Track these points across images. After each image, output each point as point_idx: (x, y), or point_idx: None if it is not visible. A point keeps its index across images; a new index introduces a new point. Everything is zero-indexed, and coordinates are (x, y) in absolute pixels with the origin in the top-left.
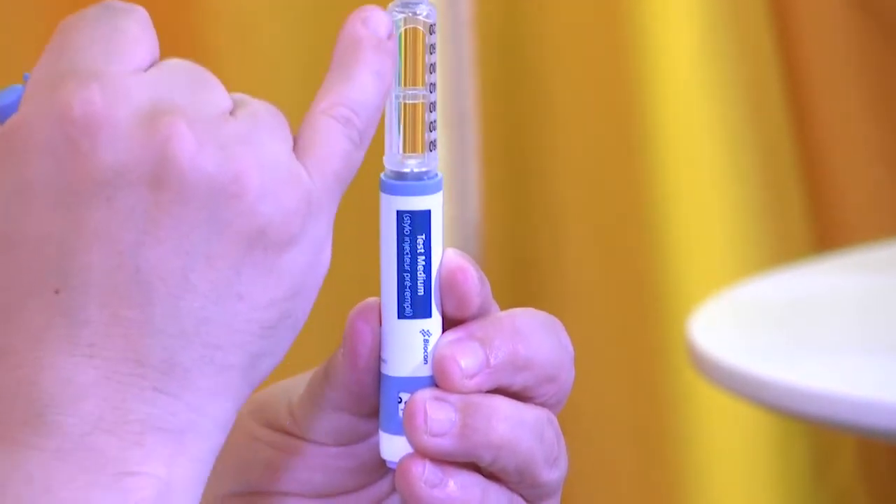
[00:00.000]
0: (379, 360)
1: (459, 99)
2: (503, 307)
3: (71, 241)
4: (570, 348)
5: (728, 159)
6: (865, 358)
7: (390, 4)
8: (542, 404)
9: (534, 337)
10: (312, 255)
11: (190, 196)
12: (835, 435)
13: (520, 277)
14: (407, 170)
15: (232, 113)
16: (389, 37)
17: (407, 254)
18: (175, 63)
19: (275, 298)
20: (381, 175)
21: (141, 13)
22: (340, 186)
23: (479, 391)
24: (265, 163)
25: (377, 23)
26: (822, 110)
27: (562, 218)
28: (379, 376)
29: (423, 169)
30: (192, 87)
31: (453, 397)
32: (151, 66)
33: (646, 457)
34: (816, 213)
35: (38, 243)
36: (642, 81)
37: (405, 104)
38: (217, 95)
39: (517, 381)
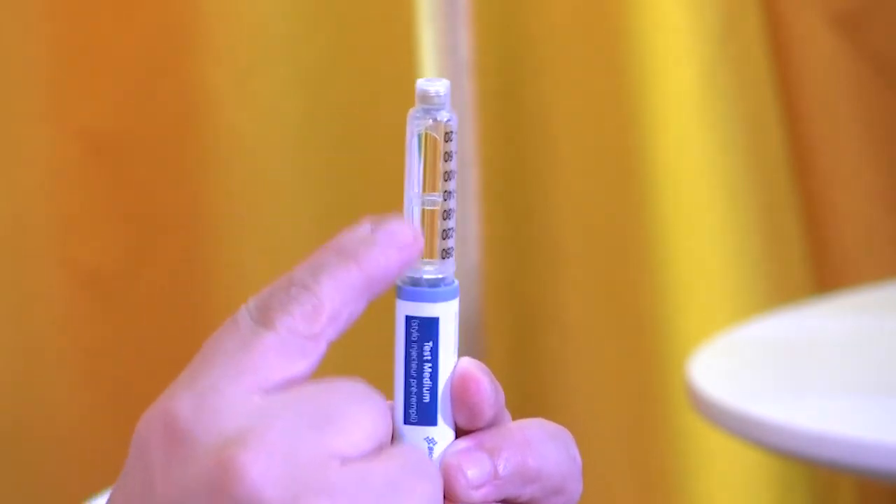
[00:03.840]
0: None
1: (460, 141)
2: (503, 349)
3: None
4: (579, 460)
5: (727, 201)
6: (864, 399)
7: (411, 109)
8: None
9: (543, 448)
10: None
11: None
12: (834, 476)
13: (520, 319)
14: (421, 276)
15: (359, 461)
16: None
17: (413, 360)
18: (314, 391)
19: None
20: (398, 279)
21: (285, 328)
22: None
23: (486, 502)
24: None
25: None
26: (821, 153)
27: (562, 259)
28: None
29: (438, 276)
30: (306, 422)
31: None
32: (288, 385)
33: (646, 497)
34: (815, 255)
35: None
36: (642, 124)
37: (423, 210)
38: (338, 438)
39: (525, 493)
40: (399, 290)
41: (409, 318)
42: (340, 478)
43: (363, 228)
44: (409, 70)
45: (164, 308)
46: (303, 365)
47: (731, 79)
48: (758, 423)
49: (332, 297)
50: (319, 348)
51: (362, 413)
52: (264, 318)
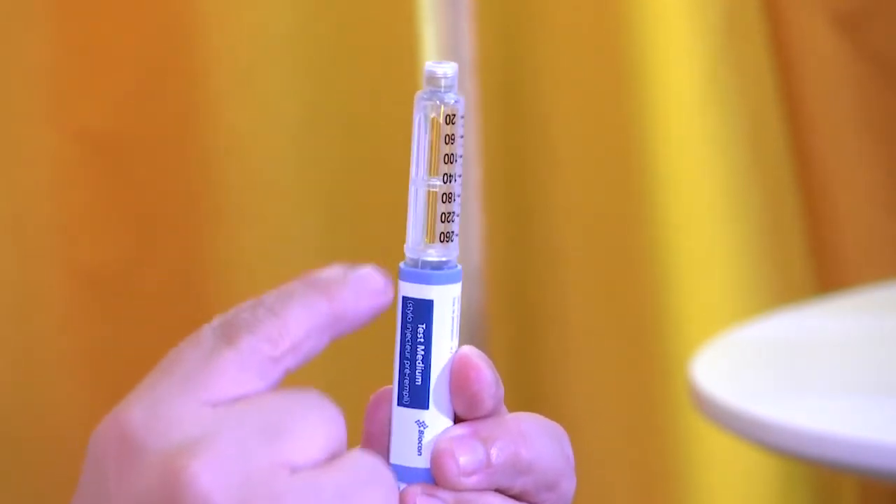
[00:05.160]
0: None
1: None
2: (505, 350)
3: None
4: (572, 458)
5: (728, 201)
6: (866, 399)
7: (419, 91)
8: None
9: (538, 442)
10: None
11: None
12: (837, 476)
13: (522, 319)
14: (420, 258)
15: (310, 469)
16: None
17: (408, 341)
18: (266, 402)
19: None
20: (401, 262)
21: (247, 347)
22: None
23: (476, 490)
24: None
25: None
26: (822, 153)
27: (564, 259)
28: None
29: (438, 259)
30: (257, 431)
31: (446, 494)
32: (240, 400)
33: (647, 497)
34: (817, 255)
35: None
36: (643, 124)
37: (428, 192)
38: (288, 447)
39: (517, 485)
40: (399, 271)
41: (405, 300)
42: (290, 486)
43: (336, 269)
44: (410, 69)
45: (165, 308)
46: (259, 385)
47: (732, 78)
48: (759, 423)
49: (297, 326)
50: (277, 372)
51: (314, 422)
52: (227, 336)
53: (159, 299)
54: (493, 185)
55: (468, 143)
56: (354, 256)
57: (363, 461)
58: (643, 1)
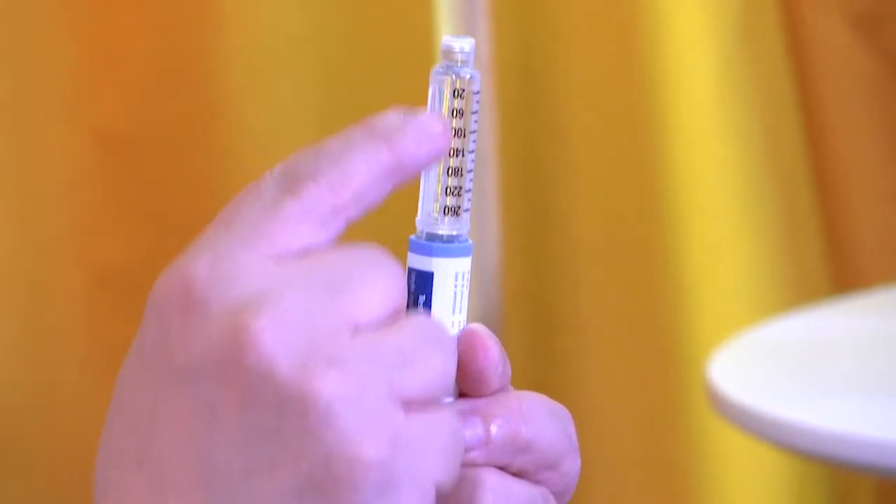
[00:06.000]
0: None
1: (478, 142)
2: (522, 349)
3: (152, 414)
4: (575, 439)
5: (745, 201)
6: (883, 399)
7: (435, 65)
8: None
9: (539, 421)
10: None
11: (254, 401)
12: (853, 476)
13: (539, 319)
14: (424, 229)
15: (373, 330)
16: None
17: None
18: (330, 258)
19: None
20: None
21: (309, 196)
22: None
23: (475, 466)
24: (348, 394)
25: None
26: (839, 153)
27: (581, 260)
28: None
29: (444, 232)
30: (320, 289)
31: None
32: (304, 254)
33: (664, 497)
34: (834, 256)
35: (132, 409)
36: (660, 124)
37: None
38: (350, 306)
39: (516, 463)
40: (409, 243)
41: (409, 270)
42: (352, 349)
43: (395, 115)
44: (426, 69)
45: None
46: (321, 236)
47: (748, 77)
48: (776, 423)
49: (360, 174)
50: (339, 223)
51: (376, 279)
52: (289, 185)
53: None
54: (509, 184)
55: (485, 145)
56: None
57: (426, 324)
58: (660, 0)
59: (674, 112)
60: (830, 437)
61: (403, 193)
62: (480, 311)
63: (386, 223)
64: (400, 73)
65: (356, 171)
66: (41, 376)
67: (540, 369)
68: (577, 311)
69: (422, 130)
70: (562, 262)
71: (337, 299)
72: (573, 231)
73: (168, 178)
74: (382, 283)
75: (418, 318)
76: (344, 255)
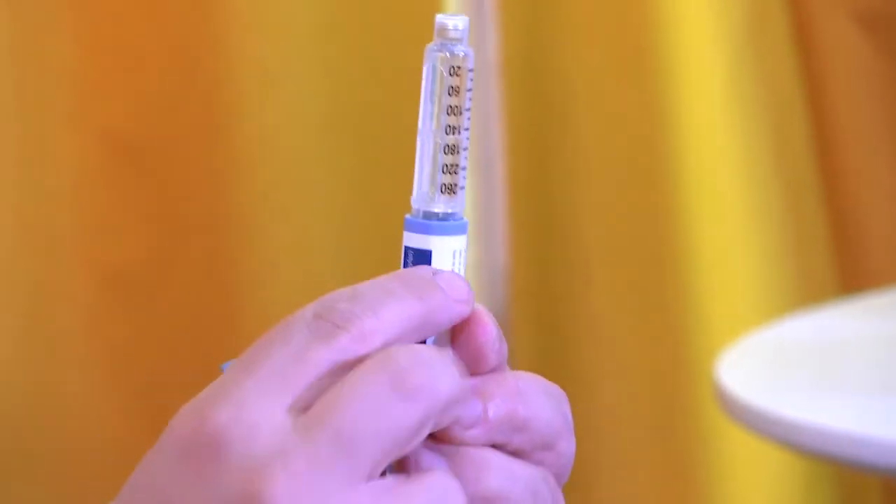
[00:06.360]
0: None
1: (486, 141)
2: (530, 348)
3: None
4: (570, 419)
5: (754, 204)
6: (892, 399)
7: (429, 43)
8: None
9: (535, 400)
10: None
11: None
12: (861, 477)
13: (547, 318)
14: (423, 209)
15: (383, 488)
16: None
17: None
18: (339, 405)
19: None
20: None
21: (341, 347)
22: None
23: (473, 445)
24: None
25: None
26: (847, 153)
27: (589, 259)
28: None
29: (440, 210)
30: (336, 450)
31: (444, 447)
32: (321, 408)
33: (672, 497)
34: (841, 256)
35: None
36: (668, 123)
37: (434, 142)
38: (364, 463)
39: (513, 442)
40: (404, 222)
41: (406, 249)
42: (366, 493)
43: (425, 270)
44: None
45: (189, 309)
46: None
47: (756, 77)
48: (785, 424)
49: (392, 326)
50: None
51: (382, 427)
52: (324, 332)
53: (182, 299)
54: (518, 184)
55: (493, 143)
56: (378, 255)
57: (438, 480)
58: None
59: (682, 111)
60: (838, 437)
61: (394, 171)
62: (488, 310)
63: (379, 204)
64: (409, 74)
65: (388, 324)
66: (46, 376)
67: (547, 369)
68: (584, 311)
69: (451, 292)
70: (569, 261)
71: (351, 456)
72: (581, 231)
73: (174, 179)
74: (388, 431)
75: (432, 477)
76: (359, 406)
